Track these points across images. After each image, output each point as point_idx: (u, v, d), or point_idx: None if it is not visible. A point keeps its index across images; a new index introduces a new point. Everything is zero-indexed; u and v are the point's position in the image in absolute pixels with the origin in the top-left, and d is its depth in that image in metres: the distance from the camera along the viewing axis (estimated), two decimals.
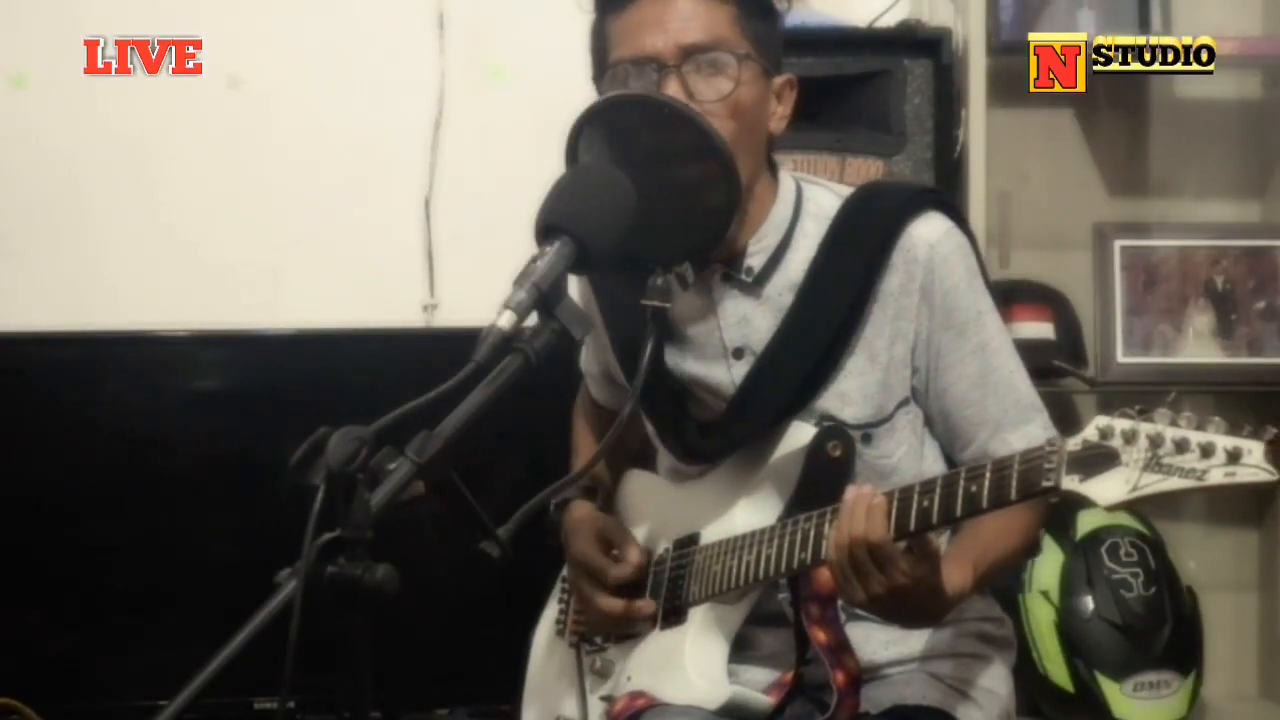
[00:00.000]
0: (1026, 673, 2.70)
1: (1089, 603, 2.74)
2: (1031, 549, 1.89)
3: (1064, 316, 2.96)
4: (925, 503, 1.58)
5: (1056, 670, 2.74)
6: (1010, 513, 1.64)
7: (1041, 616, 2.75)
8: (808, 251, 1.86)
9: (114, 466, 2.69)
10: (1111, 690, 2.71)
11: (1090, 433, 1.44)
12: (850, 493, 1.64)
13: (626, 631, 1.96)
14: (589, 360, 2.17)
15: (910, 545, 1.60)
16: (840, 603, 1.76)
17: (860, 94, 2.72)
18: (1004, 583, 2.12)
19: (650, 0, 1.78)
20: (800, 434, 1.82)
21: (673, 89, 1.75)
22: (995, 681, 1.91)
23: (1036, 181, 3.05)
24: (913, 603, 1.64)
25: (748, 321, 1.87)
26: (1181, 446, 1.39)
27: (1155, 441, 1.40)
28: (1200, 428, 1.39)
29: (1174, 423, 1.40)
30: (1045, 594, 2.75)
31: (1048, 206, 3.06)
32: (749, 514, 1.86)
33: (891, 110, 2.71)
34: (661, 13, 1.77)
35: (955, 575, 1.67)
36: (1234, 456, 1.37)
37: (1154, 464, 1.40)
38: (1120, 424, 1.42)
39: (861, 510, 1.61)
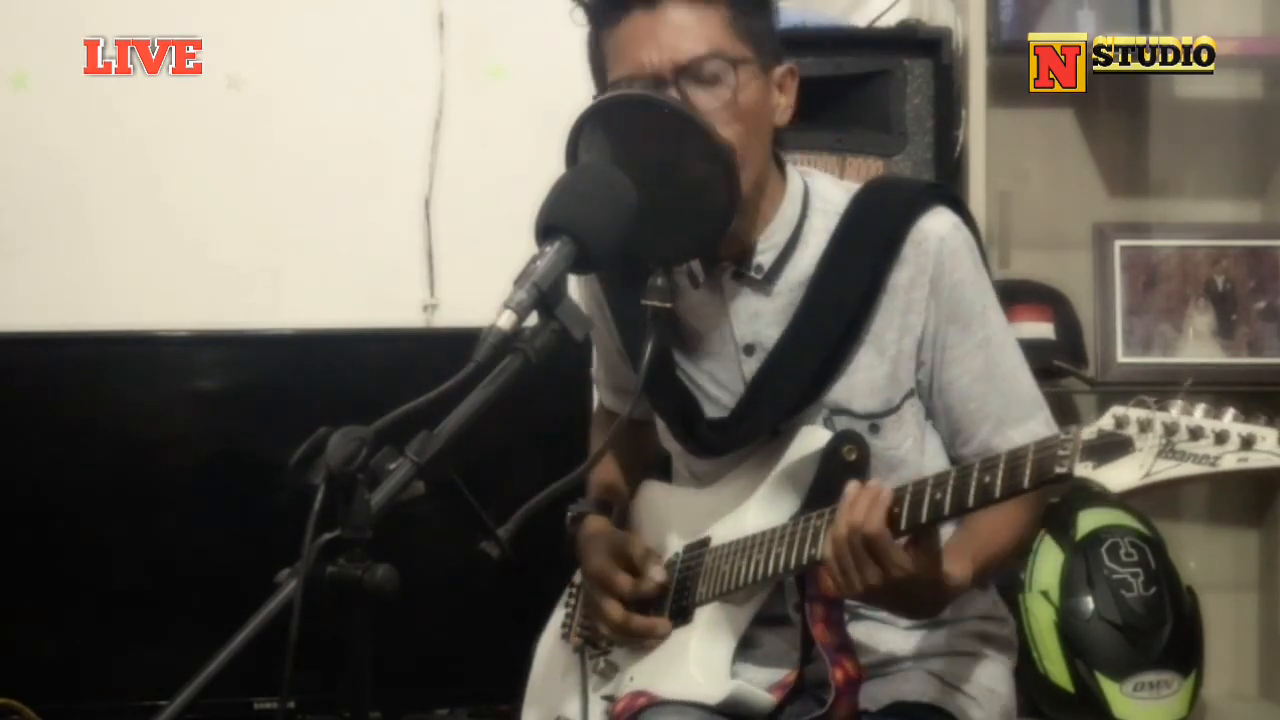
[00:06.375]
0: (1026, 673, 2.69)
1: (1089, 603, 2.74)
2: (1027, 549, 1.89)
3: (1064, 316, 2.95)
4: (938, 495, 1.58)
5: (1056, 670, 2.74)
6: (1008, 508, 1.66)
7: (1041, 616, 2.75)
8: (817, 247, 1.87)
9: (114, 466, 2.68)
10: (1111, 690, 2.71)
11: (1106, 422, 1.44)
12: (852, 486, 1.65)
13: (637, 646, 1.96)
14: (599, 368, 2.18)
15: (913, 538, 1.61)
16: (844, 605, 1.77)
17: (860, 94, 2.72)
18: (1004, 582, 2.11)
19: (641, 14, 1.76)
20: (815, 438, 1.83)
21: None
22: (996, 680, 1.92)
23: (1036, 181, 3.05)
24: (913, 595, 1.65)
25: (758, 318, 1.88)
26: (1196, 434, 1.38)
27: (1170, 429, 1.40)
28: (1216, 417, 1.39)
29: (1188, 411, 1.40)
30: (1045, 594, 2.75)
31: (1048, 206, 3.06)
32: (761, 516, 1.86)
33: (891, 110, 2.71)
34: (653, 26, 1.76)
35: (956, 568, 1.67)
36: (1247, 443, 1.36)
37: (1168, 451, 1.40)
38: (1136, 413, 1.42)
39: (864, 502, 1.62)
